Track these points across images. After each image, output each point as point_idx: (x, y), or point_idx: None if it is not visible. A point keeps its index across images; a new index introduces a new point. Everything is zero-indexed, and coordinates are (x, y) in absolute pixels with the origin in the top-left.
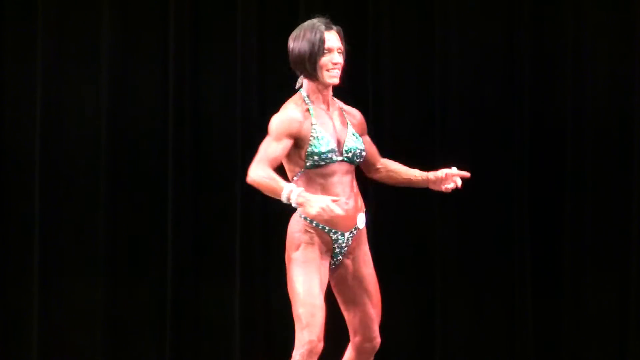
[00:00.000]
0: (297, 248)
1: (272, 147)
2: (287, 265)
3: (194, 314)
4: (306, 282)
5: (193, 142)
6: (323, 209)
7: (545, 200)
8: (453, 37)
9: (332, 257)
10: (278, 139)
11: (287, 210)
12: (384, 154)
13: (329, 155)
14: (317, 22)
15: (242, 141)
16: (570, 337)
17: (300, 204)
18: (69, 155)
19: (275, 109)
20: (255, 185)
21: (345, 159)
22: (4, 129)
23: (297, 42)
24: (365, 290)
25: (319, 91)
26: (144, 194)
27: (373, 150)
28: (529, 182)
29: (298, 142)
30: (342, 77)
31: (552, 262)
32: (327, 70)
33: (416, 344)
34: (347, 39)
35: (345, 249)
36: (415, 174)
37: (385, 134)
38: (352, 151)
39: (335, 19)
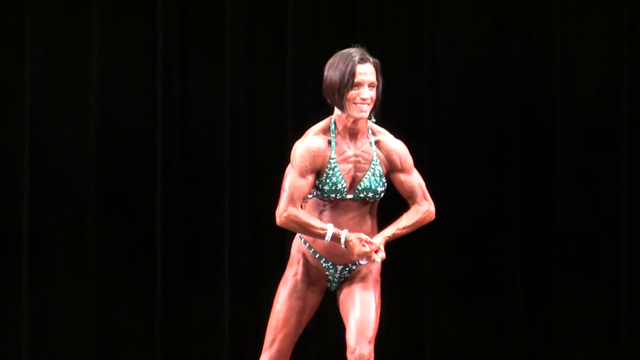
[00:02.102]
0: (291, 266)
1: (299, 185)
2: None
3: (183, 320)
4: (283, 304)
5: (181, 147)
6: (360, 251)
7: (536, 201)
8: (442, 38)
9: (327, 282)
10: (303, 175)
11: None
12: None
13: (336, 195)
14: (352, 53)
15: (231, 146)
16: (560, 339)
17: (340, 242)
18: (58, 161)
19: (264, 110)
20: (290, 229)
21: (356, 197)
22: None
23: (330, 70)
24: (352, 303)
25: (347, 123)
26: (132, 200)
27: (407, 188)
28: (519, 183)
29: (319, 173)
30: (377, 112)
31: (542, 264)
32: (355, 104)
33: (405, 345)
34: (337, 41)
35: (340, 279)
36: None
37: None
38: (366, 191)
39: (323, 21)
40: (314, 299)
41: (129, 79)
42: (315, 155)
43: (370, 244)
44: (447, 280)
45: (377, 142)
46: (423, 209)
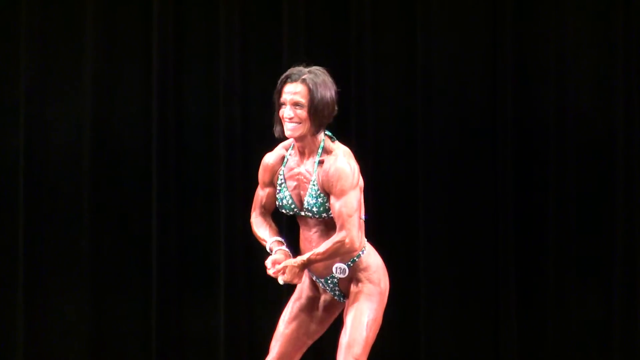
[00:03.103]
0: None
1: (259, 195)
2: None
3: (178, 329)
4: (285, 312)
5: (176, 156)
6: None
7: (530, 206)
8: (435, 40)
9: (333, 295)
10: (261, 186)
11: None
12: (368, 156)
13: (288, 211)
14: (290, 71)
15: (225, 154)
16: (554, 345)
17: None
18: (53, 169)
19: (258, 118)
20: (252, 229)
21: (306, 215)
22: None
23: None
24: (346, 318)
25: (294, 141)
26: (127, 209)
27: (333, 212)
28: (513, 187)
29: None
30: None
31: (536, 266)
32: (284, 122)
33: (400, 350)
34: (331, 51)
35: (336, 291)
36: None
37: (368, 137)
38: (308, 210)
39: (317, 22)
40: (324, 310)
41: (123, 87)
42: (264, 169)
43: (278, 266)
44: (441, 283)
45: (320, 162)
46: (335, 239)
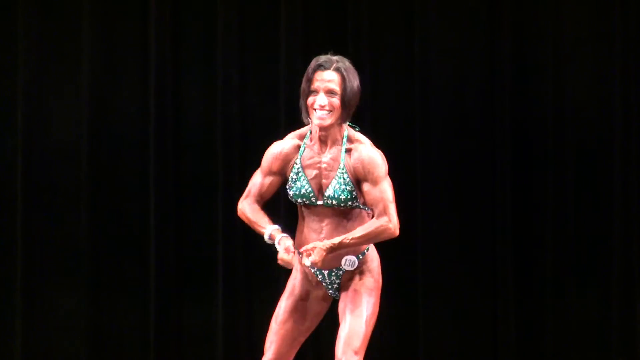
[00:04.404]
0: (292, 273)
1: (257, 182)
2: None
3: (177, 326)
4: (279, 309)
5: (174, 154)
6: (281, 260)
7: (528, 205)
8: (433, 39)
9: (326, 289)
10: (263, 174)
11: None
12: None
13: (304, 200)
14: (319, 59)
15: (223, 153)
16: (553, 345)
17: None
18: (51, 169)
19: (256, 116)
20: (241, 218)
21: (325, 204)
22: None
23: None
24: (344, 312)
25: (316, 130)
26: (126, 206)
27: (369, 199)
28: (511, 186)
29: (286, 178)
30: (347, 119)
31: (535, 267)
32: (314, 110)
33: (399, 349)
34: (328, 50)
35: (334, 285)
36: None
37: (366, 136)
38: (331, 199)
39: (313, 27)
40: (316, 305)
41: (121, 85)
42: (275, 158)
43: (307, 251)
44: (439, 283)
45: (348, 150)
46: (378, 223)
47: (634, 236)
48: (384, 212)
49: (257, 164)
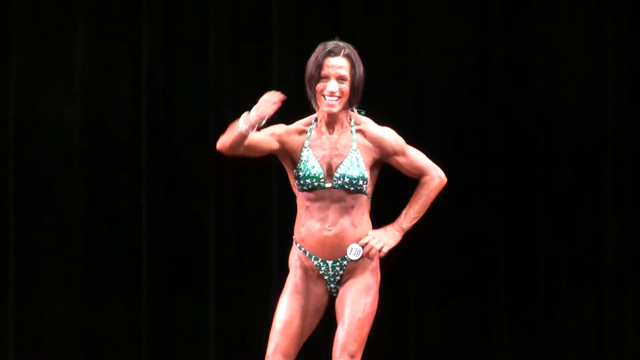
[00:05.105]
0: (290, 271)
1: (256, 134)
2: None
3: (169, 326)
4: (281, 307)
5: (166, 155)
6: (265, 102)
7: (521, 205)
8: (426, 47)
9: (327, 284)
10: (267, 132)
11: (261, 221)
12: None
13: (313, 181)
14: (327, 45)
15: (215, 154)
16: (546, 345)
17: (254, 118)
18: (43, 171)
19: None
20: (223, 145)
21: (335, 185)
22: None
23: (308, 62)
24: (342, 312)
25: (323, 116)
26: (118, 206)
27: (409, 168)
28: (505, 186)
29: (294, 162)
30: (355, 104)
31: (527, 267)
32: (324, 96)
33: (391, 347)
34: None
35: (336, 278)
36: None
37: None
38: (343, 178)
39: (306, 27)
40: (317, 301)
41: (113, 85)
42: (288, 132)
43: (375, 245)
44: (432, 283)
45: (359, 131)
46: (431, 182)
47: (628, 236)
48: (427, 169)
49: (250, 167)
